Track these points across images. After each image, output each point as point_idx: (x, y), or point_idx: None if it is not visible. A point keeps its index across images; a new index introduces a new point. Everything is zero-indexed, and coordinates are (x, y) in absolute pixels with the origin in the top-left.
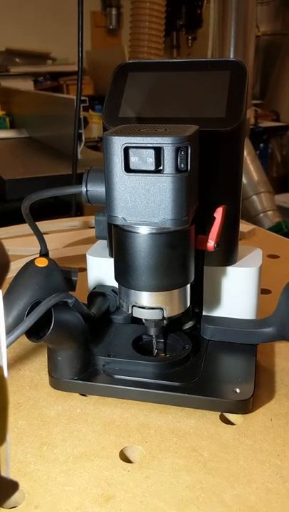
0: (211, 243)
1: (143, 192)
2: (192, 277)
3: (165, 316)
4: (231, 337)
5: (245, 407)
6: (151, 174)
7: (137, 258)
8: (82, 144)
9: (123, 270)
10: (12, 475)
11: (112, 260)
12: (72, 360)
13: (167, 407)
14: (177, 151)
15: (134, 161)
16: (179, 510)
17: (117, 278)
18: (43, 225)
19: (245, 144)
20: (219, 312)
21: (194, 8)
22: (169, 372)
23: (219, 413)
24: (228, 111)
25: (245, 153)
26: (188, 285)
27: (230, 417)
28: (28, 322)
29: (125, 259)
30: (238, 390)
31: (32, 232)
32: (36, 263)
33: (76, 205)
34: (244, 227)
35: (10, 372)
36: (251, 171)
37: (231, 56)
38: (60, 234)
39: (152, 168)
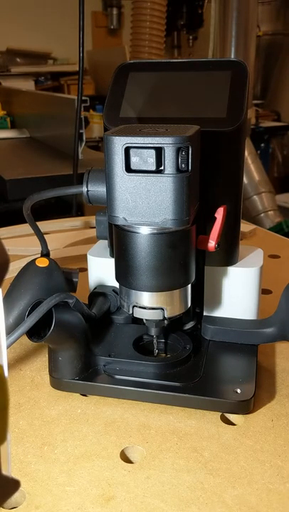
0: (211, 243)
1: (144, 192)
2: (193, 277)
3: (166, 316)
4: (232, 337)
5: (246, 407)
6: (152, 174)
7: (138, 258)
8: (83, 144)
9: (124, 270)
10: (13, 475)
11: (112, 260)
12: (72, 360)
13: (168, 408)
14: (178, 151)
15: (135, 161)
16: (180, 510)
17: (117, 278)
18: (43, 225)
19: (246, 144)
20: (220, 312)
21: (195, 8)
22: (170, 372)
23: (220, 413)
24: (229, 111)
25: (246, 153)
26: (189, 285)
27: (231, 417)
28: (29, 322)
29: (126, 260)
30: (238, 391)
31: (33, 232)
32: (37, 263)
33: (77, 205)
34: (245, 227)
35: (11, 372)
36: (252, 170)
37: (232, 56)
38: (61, 234)
39: (153, 168)
